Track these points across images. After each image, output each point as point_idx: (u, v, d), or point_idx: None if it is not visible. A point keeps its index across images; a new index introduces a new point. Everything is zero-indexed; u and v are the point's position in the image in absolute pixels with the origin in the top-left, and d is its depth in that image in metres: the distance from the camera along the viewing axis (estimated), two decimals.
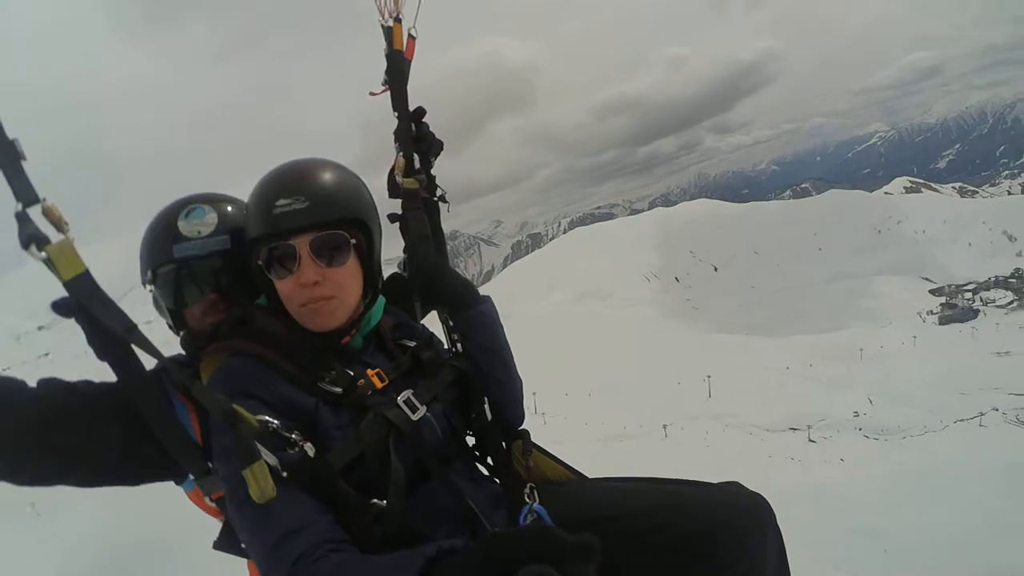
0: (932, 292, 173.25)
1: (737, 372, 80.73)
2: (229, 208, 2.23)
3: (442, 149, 2.62)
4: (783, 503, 1.92)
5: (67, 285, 1.61)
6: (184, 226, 2.13)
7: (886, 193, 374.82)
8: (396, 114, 2.50)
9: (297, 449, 1.62)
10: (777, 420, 54.00)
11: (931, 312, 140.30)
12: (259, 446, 1.52)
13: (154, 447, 1.83)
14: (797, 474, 23.31)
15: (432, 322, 2.37)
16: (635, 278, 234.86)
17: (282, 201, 1.78)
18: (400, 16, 2.49)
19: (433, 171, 2.62)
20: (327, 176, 1.87)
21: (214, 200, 2.22)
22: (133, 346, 1.68)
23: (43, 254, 1.56)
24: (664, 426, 51.77)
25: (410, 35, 2.53)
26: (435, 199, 2.63)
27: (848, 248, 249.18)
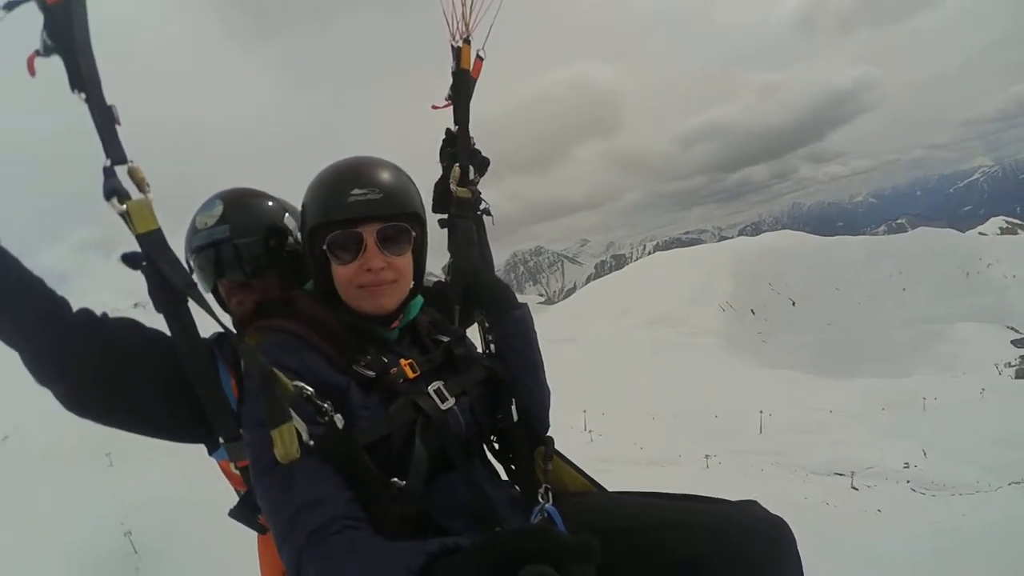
0: (1014, 343, 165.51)
1: (793, 410, 79.72)
2: (247, 201, 2.52)
3: (488, 165, 2.83)
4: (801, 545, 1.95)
5: (139, 238, 1.77)
6: (199, 219, 2.44)
7: (980, 233, 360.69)
8: (456, 127, 2.74)
9: (327, 419, 1.73)
10: (823, 463, 53.52)
11: (1009, 364, 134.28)
12: (291, 411, 1.59)
13: (190, 407, 2.03)
14: (827, 519, 23.18)
15: (472, 335, 2.55)
16: (710, 307, 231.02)
17: (357, 191, 1.94)
18: (470, 38, 2.72)
19: (479, 187, 2.82)
20: (393, 173, 2.06)
21: (237, 195, 2.52)
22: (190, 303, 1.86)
23: (123, 207, 1.73)
24: (706, 456, 52.27)
25: (478, 55, 2.75)
26: (479, 213, 2.84)
27: (932, 290, 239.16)
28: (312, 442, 1.64)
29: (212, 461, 2.37)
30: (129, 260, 1.80)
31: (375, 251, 1.97)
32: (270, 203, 2.56)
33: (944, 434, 63.75)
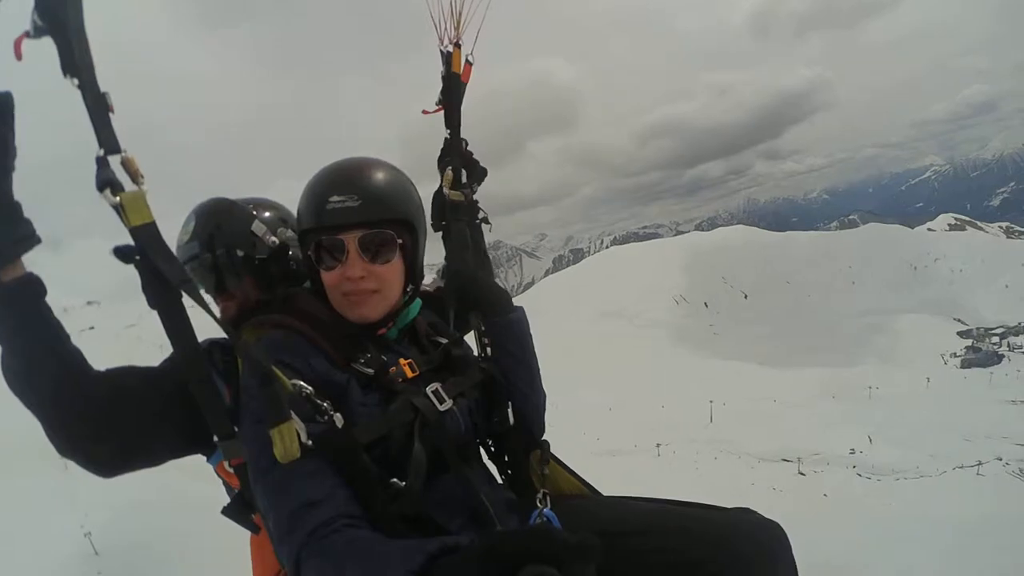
0: (960, 334, 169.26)
1: (742, 400, 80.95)
2: (217, 216, 2.47)
3: (485, 176, 2.81)
4: None
5: (133, 231, 1.69)
6: (178, 235, 2.44)
7: (929, 229, 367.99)
8: (448, 132, 2.72)
9: (327, 418, 1.72)
10: (771, 450, 54.36)
11: (954, 355, 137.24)
12: (290, 411, 1.58)
13: (189, 422, 2.00)
14: (774, 504, 22.82)
15: (468, 338, 2.50)
16: (664, 300, 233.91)
17: (335, 198, 1.89)
18: (460, 42, 2.68)
19: (476, 196, 2.80)
20: (380, 177, 1.98)
21: (207, 210, 2.48)
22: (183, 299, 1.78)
23: (116, 199, 1.65)
24: (657, 445, 52.87)
25: (467, 60, 2.72)
26: (477, 221, 2.83)
27: (882, 284, 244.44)
28: (311, 442, 1.63)
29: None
30: (122, 254, 1.72)
31: (356, 259, 1.93)
32: (238, 213, 2.50)
33: (889, 421, 64.96)
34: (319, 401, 1.72)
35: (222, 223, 2.44)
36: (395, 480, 1.77)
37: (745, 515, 1.95)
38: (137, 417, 1.97)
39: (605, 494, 2.35)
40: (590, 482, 2.37)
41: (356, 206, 1.88)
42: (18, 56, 1.63)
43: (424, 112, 2.73)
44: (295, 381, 1.68)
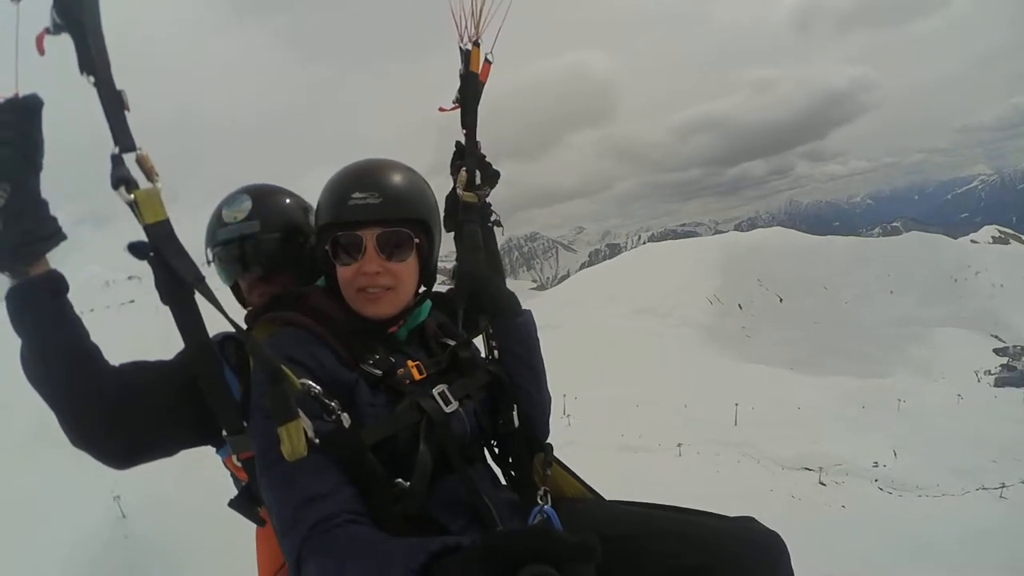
0: (996, 351, 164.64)
1: (770, 404, 79.76)
2: (274, 198, 2.55)
3: (499, 178, 2.81)
4: None
5: (147, 229, 1.72)
6: (226, 213, 2.46)
7: (972, 241, 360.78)
8: (464, 131, 2.72)
9: (335, 418, 1.73)
10: (794, 457, 53.69)
11: (988, 372, 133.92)
12: (298, 409, 1.57)
13: (197, 414, 2.05)
14: (792, 512, 23.05)
15: (476, 342, 2.48)
16: (698, 299, 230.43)
17: (357, 195, 1.94)
18: (479, 40, 2.66)
19: (489, 199, 2.83)
20: (400, 178, 2.04)
21: (264, 191, 2.54)
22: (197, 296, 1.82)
23: (131, 196, 1.68)
24: (679, 445, 52.77)
25: (486, 59, 2.71)
26: (490, 224, 2.85)
27: (920, 294, 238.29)
28: (318, 440, 1.66)
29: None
30: (136, 250, 1.80)
31: (373, 255, 1.98)
32: (293, 201, 2.62)
33: (916, 435, 63.81)
34: (327, 401, 1.75)
35: (283, 208, 2.57)
36: (400, 480, 1.83)
37: (746, 524, 2.06)
38: (149, 413, 2.03)
39: (623, 489, 2.49)
40: (596, 483, 2.48)
41: (377, 204, 1.96)
42: (40, 51, 1.69)
43: (441, 109, 2.75)
44: (304, 380, 1.70)
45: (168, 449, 2.16)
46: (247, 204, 2.47)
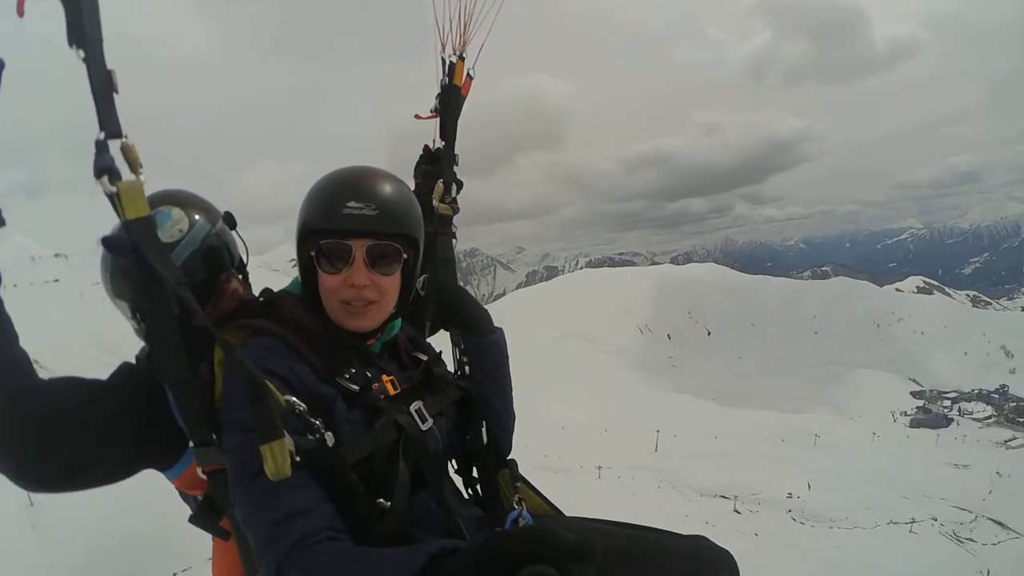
0: (913, 394, 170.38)
1: (692, 433, 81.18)
2: (198, 200, 2.29)
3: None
4: None
5: (128, 224, 1.61)
6: (165, 233, 2.16)
7: (897, 290, 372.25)
8: (443, 143, 2.70)
9: (318, 436, 1.70)
10: (711, 486, 54.55)
11: (905, 413, 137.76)
12: (283, 428, 1.52)
13: (135, 432, 1.95)
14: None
15: (437, 340, 2.51)
16: (628, 327, 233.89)
17: (353, 203, 1.84)
18: (464, 54, 2.63)
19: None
20: (395, 190, 1.95)
21: (180, 198, 2.27)
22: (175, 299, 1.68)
23: (113, 188, 1.56)
24: (598, 467, 53.10)
25: (469, 74, 2.69)
26: (454, 236, 2.79)
27: (844, 336, 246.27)
28: (300, 458, 1.61)
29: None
30: (114, 246, 1.70)
31: (361, 267, 1.90)
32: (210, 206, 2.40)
33: (831, 470, 65.20)
34: (312, 419, 1.71)
35: (218, 216, 2.35)
36: (381, 501, 1.79)
37: (699, 541, 2.13)
38: (85, 436, 1.87)
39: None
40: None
41: (373, 215, 1.87)
42: (20, 13, 1.51)
43: (417, 117, 2.71)
44: (288, 397, 1.65)
45: (104, 476, 1.99)
46: (184, 217, 2.19)
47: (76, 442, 1.84)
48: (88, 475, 1.94)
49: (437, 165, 2.74)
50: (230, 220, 2.37)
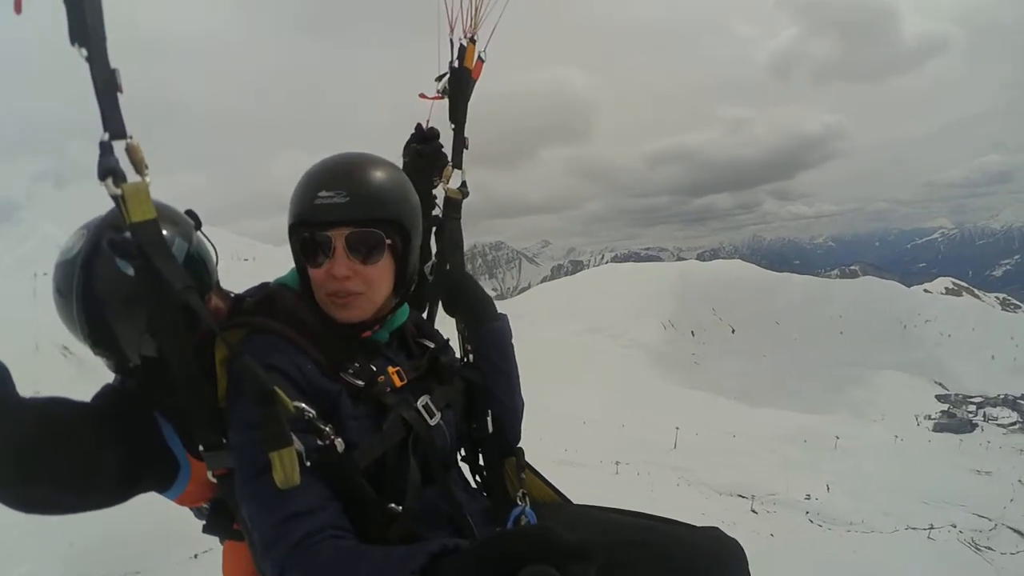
0: (938, 398, 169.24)
1: (710, 432, 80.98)
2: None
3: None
4: None
5: (133, 227, 1.57)
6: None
7: (925, 290, 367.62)
8: (453, 126, 2.65)
9: (328, 442, 1.67)
10: (729, 484, 54.45)
11: (928, 417, 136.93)
12: (292, 435, 1.52)
13: (124, 454, 1.90)
14: None
15: (441, 323, 2.45)
16: (652, 323, 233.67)
17: (324, 193, 1.79)
18: (475, 37, 2.58)
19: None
20: (374, 175, 1.87)
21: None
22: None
23: (118, 190, 1.53)
24: (616, 463, 53.13)
25: (480, 57, 2.63)
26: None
27: (869, 337, 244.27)
28: (309, 464, 1.61)
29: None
30: (120, 250, 1.64)
31: (343, 257, 1.83)
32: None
33: (850, 473, 64.82)
34: (321, 426, 1.68)
35: (191, 230, 2.20)
36: (392, 506, 1.78)
37: (711, 532, 2.09)
38: (70, 457, 1.82)
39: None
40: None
41: (344, 203, 1.80)
42: (17, 9, 1.50)
43: (422, 96, 2.65)
44: (297, 403, 1.63)
45: (89, 501, 1.90)
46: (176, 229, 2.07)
47: (62, 465, 1.79)
48: (69, 502, 1.87)
49: (429, 144, 2.66)
50: (195, 219, 2.20)
